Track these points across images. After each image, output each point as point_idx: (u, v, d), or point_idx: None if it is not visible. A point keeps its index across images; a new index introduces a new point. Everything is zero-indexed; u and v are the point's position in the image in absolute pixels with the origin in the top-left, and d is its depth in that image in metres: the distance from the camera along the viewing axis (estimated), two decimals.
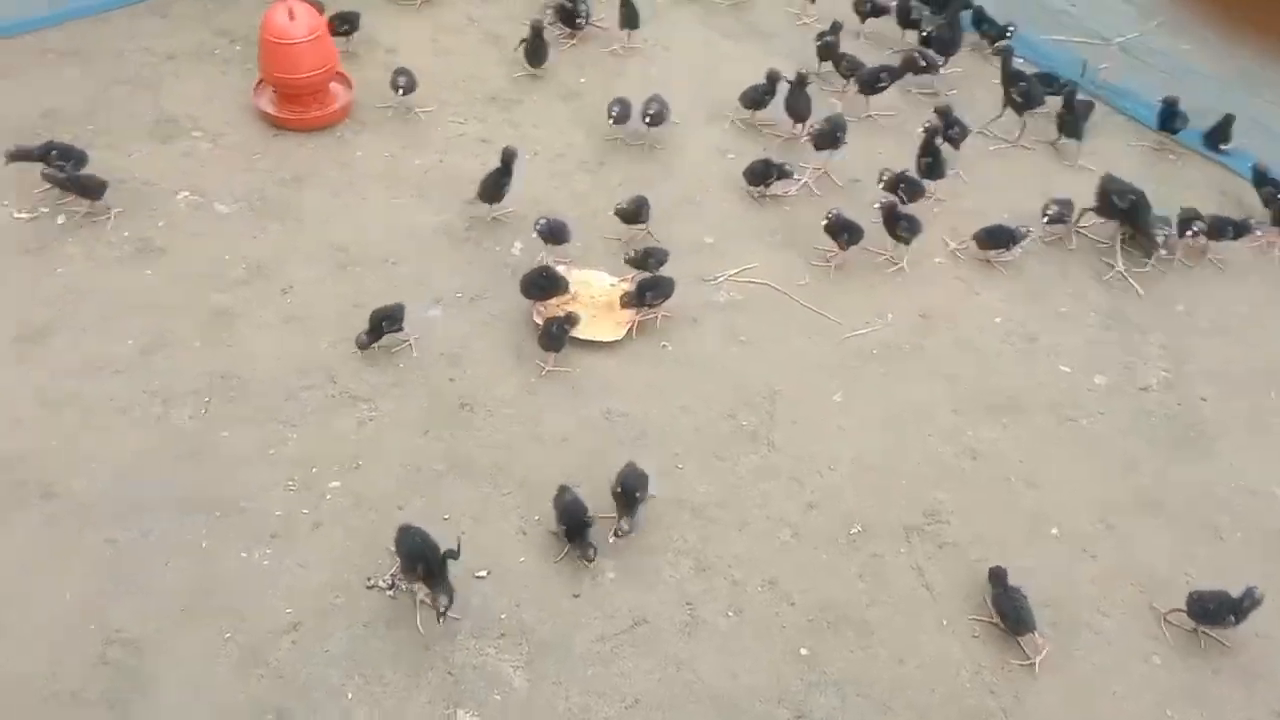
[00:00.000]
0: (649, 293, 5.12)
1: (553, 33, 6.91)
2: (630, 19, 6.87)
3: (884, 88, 6.46)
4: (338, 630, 4.04)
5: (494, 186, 5.63)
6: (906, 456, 4.83)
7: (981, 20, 7.08)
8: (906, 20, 7.01)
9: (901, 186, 5.73)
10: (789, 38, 7.21)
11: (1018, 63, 6.51)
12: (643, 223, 5.55)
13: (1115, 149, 6.52)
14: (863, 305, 5.50)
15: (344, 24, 6.57)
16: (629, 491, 4.29)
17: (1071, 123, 6.30)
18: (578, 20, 6.85)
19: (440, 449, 4.66)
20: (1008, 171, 6.32)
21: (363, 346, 4.90)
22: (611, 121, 5.99)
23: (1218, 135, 6.33)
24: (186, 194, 5.72)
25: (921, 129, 5.94)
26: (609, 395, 4.95)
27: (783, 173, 5.85)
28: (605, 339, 5.15)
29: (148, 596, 4.09)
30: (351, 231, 5.59)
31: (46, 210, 5.50)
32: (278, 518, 4.37)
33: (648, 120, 6.02)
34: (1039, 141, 6.52)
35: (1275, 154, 6.16)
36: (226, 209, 5.67)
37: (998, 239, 5.64)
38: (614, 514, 4.35)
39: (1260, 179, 5.97)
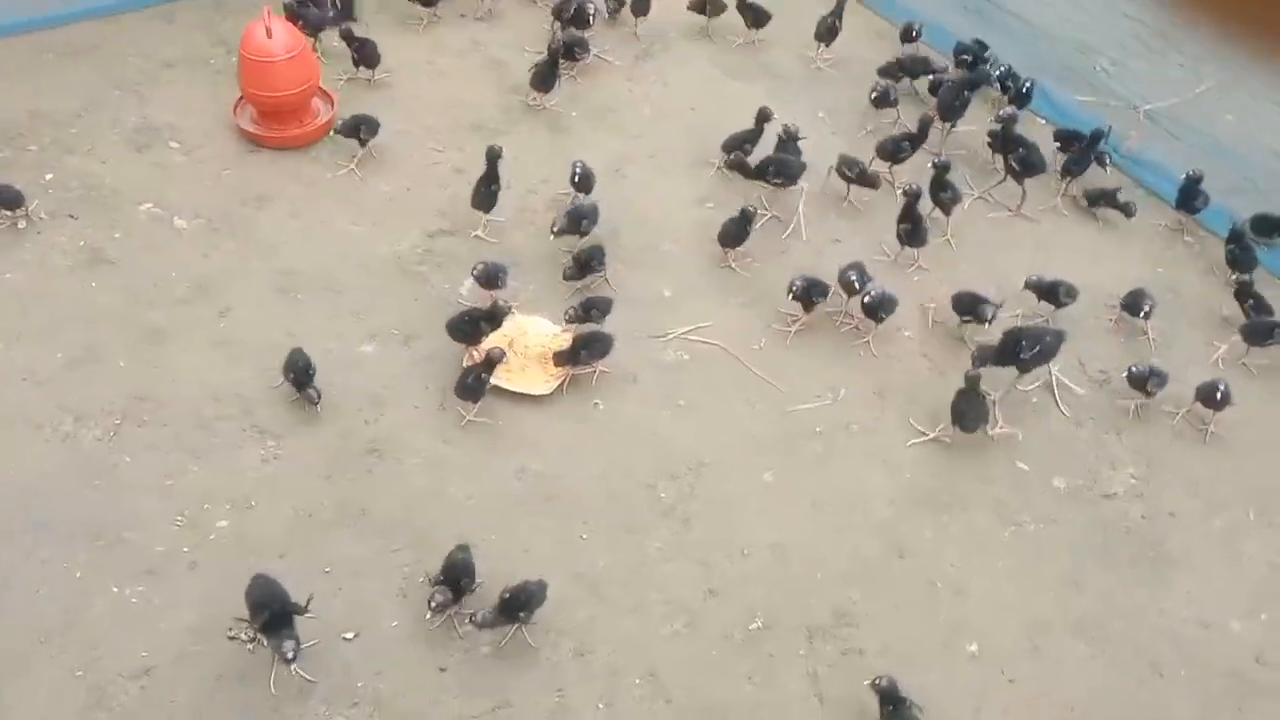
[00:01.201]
0: (583, 351, 4.91)
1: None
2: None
3: (906, 156, 6.10)
4: (189, 680, 3.92)
5: (485, 194, 5.55)
6: (828, 548, 4.53)
7: (1006, 78, 6.68)
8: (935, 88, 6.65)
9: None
10: (801, 81, 6.93)
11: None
12: (596, 272, 5.33)
13: (1128, 225, 6.08)
14: (817, 376, 5.20)
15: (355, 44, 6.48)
16: (452, 579, 4.07)
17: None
18: (577, 52, 6.67)
19: (337, 495, 4.52)
20: (1004, 242, 5.94)
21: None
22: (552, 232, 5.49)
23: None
24: (149, 206, 5.70)
25: (900, 192, 5.60)
26: (526, 452, 4.75)
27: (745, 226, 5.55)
28: (534, 392, 4.95)
29: (12, 621, 4.02)
30: (302, 256, 5.50)
31: (9, 214, 5.50)
32: (158, 554, 4.27)
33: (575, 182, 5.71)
34: (1045, 210, 6.12)
35: None
36: (185, 224, 5.63)
37: (966, 307, 5.26)
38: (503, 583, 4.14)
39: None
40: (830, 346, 5.34)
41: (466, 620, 4.05)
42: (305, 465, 4.62)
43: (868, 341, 5.33)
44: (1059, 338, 5.06)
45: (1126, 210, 5.95)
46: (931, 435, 4.91)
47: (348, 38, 6.46)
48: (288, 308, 5.25)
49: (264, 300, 5.28)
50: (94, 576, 4.18)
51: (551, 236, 5.36)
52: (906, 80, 6.72)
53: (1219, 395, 4.94)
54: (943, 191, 5.72)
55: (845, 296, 5.31)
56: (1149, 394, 5.05)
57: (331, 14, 6.60)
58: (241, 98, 6.12)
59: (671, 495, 4.66)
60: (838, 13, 6.86)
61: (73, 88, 6.30)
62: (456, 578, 4.07)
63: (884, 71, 6.65)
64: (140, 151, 6.00)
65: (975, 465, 4.89)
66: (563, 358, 4.93)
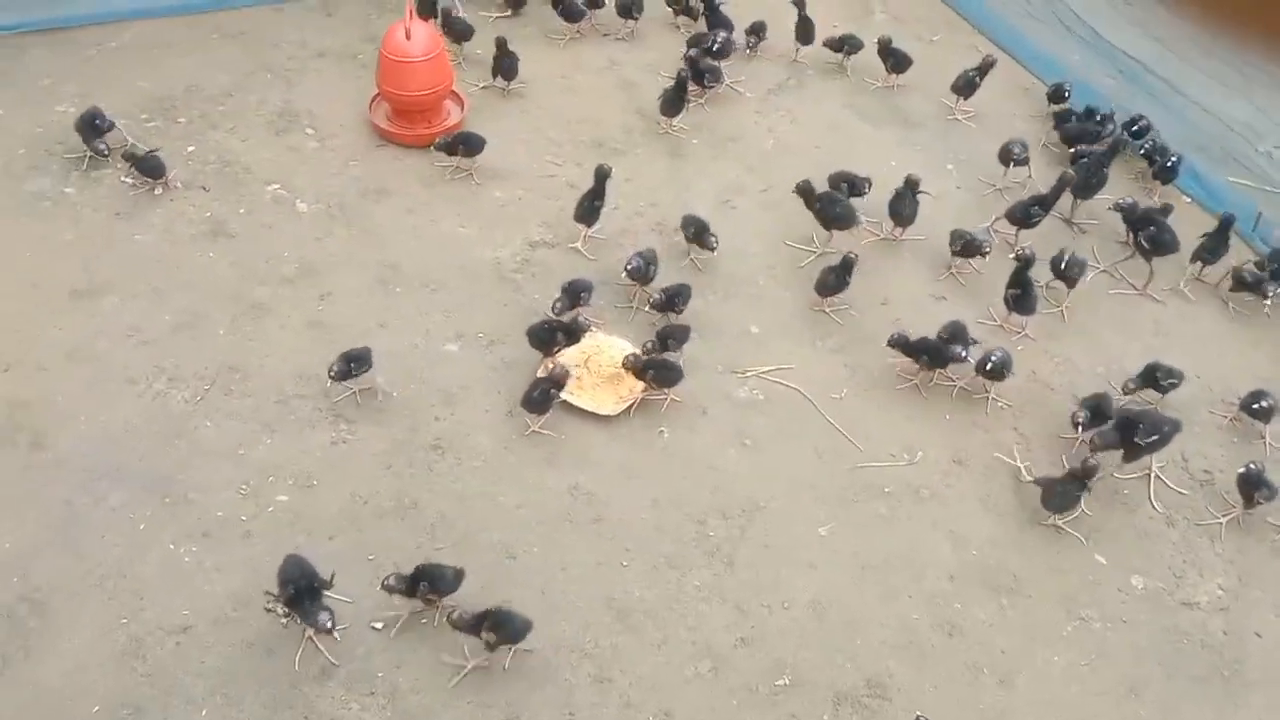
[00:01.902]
0: (650, 371, 4.88)
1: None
2: (804, 34, 6.91)
3: (1037, 222, 5.82)
4: (222, 644, 4.06)
5: (587, 209, 5.63)
6: (873, 613, 4.36)
7: (1154, 152, 6.30)
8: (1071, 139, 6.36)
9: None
10: (933, 130, 6.74)
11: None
12: (676, 311, 5.28)
13: (1263, 319, 5.66)
14: (895, 435, 5.02)
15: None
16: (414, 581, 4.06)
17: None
18: (707, 80, 6.67)
19: (395, 486, 4.62)
20: (1122, 320, 5.61)
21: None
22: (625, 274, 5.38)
23: None
24: (276, 187, 5.97)
25: (1013, 256, 5.37)
26: (583, 469, 4.75)
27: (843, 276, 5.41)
28: (601, 411, 4.95)
29: (74, 563, 4.25)
30: (408, 251, 5.66)
31: (150, 180, 5.85)
32: (217, 518, 4.44)
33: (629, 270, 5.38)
34: (1172, 292, 5.77)
35: None
36: (306, 208, 5.87)
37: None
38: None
39: None
40: (917, 406, 5.15)
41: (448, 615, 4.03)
42: (371, 452, 4.74)
43: (989, 398, 5.14)
44: (1176, 427, 4.76)
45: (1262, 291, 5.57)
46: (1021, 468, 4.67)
47: (500, 46, 6.61)
48: (385, 299, 5.41)
49: (364, 289, 5.45)
50: (154, 530, 4.38)
51: (553, 314, 5.18)
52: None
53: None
54: (1063, 265, 5.41)
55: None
56: (1254, 503, 4.68)
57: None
58: (377, 94, 6.35)
59: (720, 534, 4.57)
60: (982, 70, 6.63)
61: (228, 67, 6.69)
62: (419, 581, 4.07)
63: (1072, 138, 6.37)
64: (278, 135, 6.30)
65: (1050, 551, 4.62)
66: (629, 368, 4.91)
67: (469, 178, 6.11)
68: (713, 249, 5.54)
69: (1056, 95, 6.74)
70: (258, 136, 6.26)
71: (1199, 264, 5.74)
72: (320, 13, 7.24)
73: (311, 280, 5.47)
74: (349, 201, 5.92)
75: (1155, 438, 4.70)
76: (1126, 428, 4.69)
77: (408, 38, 6.00)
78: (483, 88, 6.72)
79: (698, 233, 5.57)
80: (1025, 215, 5.74)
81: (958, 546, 4.61)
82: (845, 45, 6.95)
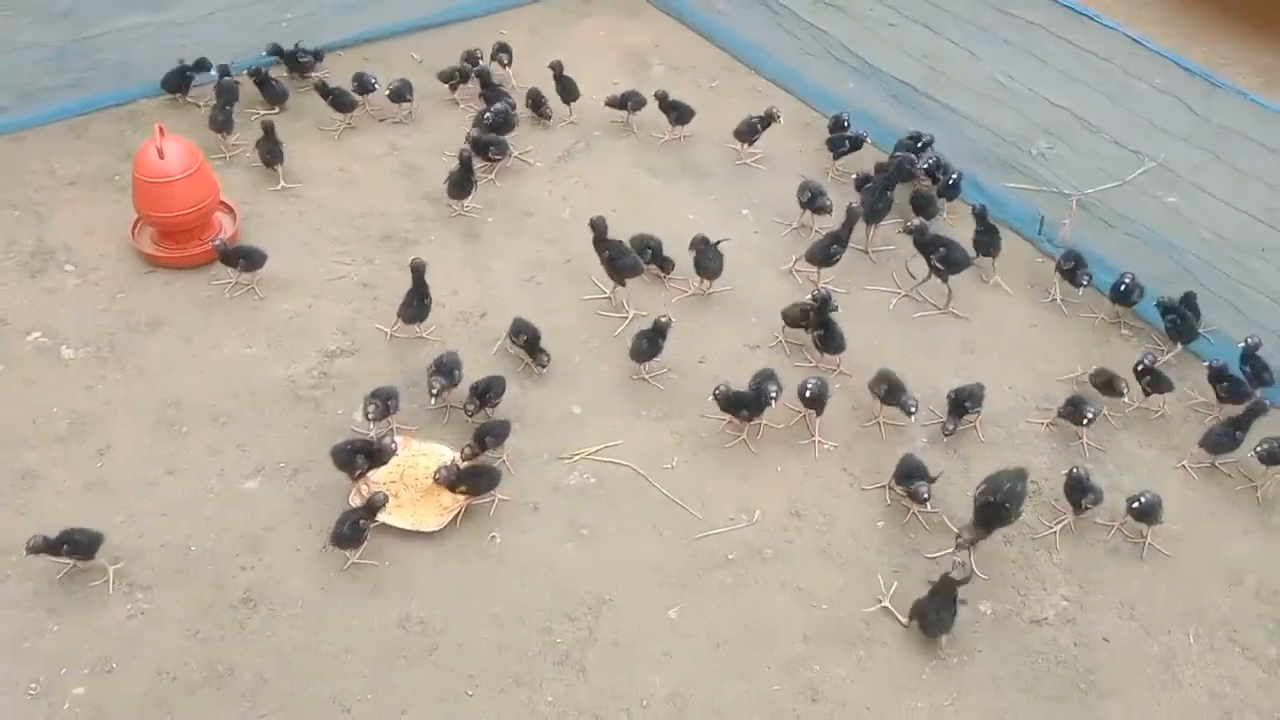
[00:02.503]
0: (462, 487, 4.63)
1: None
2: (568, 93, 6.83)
3: (837, 259, 5.82)
4: None
5: (417, 309, 5.42)
6: (734, 694, 4.21)
7: (935, 170, 6.44)
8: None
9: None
10: (724, 176, 6.74)
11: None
12: (490, 407, 5.05)
13: (1061, 320, 5.84)
14: (731, 497, 4.91)
15: None
16: None
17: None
18: (491, 153, 6.49)
19: (204, 654, 4.21)
20: (931, 343, 5.68)
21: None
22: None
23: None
24: (38, 335, 5.46)
25: (810, 297, 5.37)
26: (412, 597, 4.45)
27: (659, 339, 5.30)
28: (425, 528, 4.66)
29: None
30: (191, 384, 5.25)
31: None
32: None
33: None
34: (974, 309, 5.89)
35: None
36: (72, 353, 5.39)
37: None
38: None
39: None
40: (748, 462, 5.06)
41: None
42: (173, 619, 4.33)
43: (815, 440, 5.09)
44: (1022, 476, 4.58)
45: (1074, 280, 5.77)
46: (883, 604, 4.53)
47: (266, 130, 6.35)
48: (170, 442, 4.99)
49: (146, 435, 5.01)
50: None
51: (432, 402, 5.03)
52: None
53: (1152, 507, 4.64)
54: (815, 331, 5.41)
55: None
56: (1083, 509, 4.75)
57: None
58: (139, 219, 5.91)
59: (568, 639, 4.34)
60: (765, 120, 6.64)
61: None
62: None
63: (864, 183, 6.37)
64: (33, 277, 5.79)
65: (898, 591, 4.57)
66: (441, 483, 4.65)
67: (250, 293, 5.73)
68: (544, 367, 5.31)
69: (836, 125, 6.83)
70: (10, 281, 5.74)
71: (989, 259, 5.89)
72: (67, 135, 6.71)
73: (86, 434, 5.00)
74: (119, 339, 5.46)
75: (1013, 504, 4.55)
76: (989, 513, 4.54)
77: (161, 156, 5.60)
78: (277, 189, 6.32)
79: (530, 343, 5.31)
80: (825, 254, 5.76)
81: (806, 604, 4.52)
82: (629, 102, 6.89)
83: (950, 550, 4.64)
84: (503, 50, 7.14)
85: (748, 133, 6.67)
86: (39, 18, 7.25)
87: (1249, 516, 4.94)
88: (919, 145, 6.57)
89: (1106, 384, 5.20)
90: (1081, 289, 5.79)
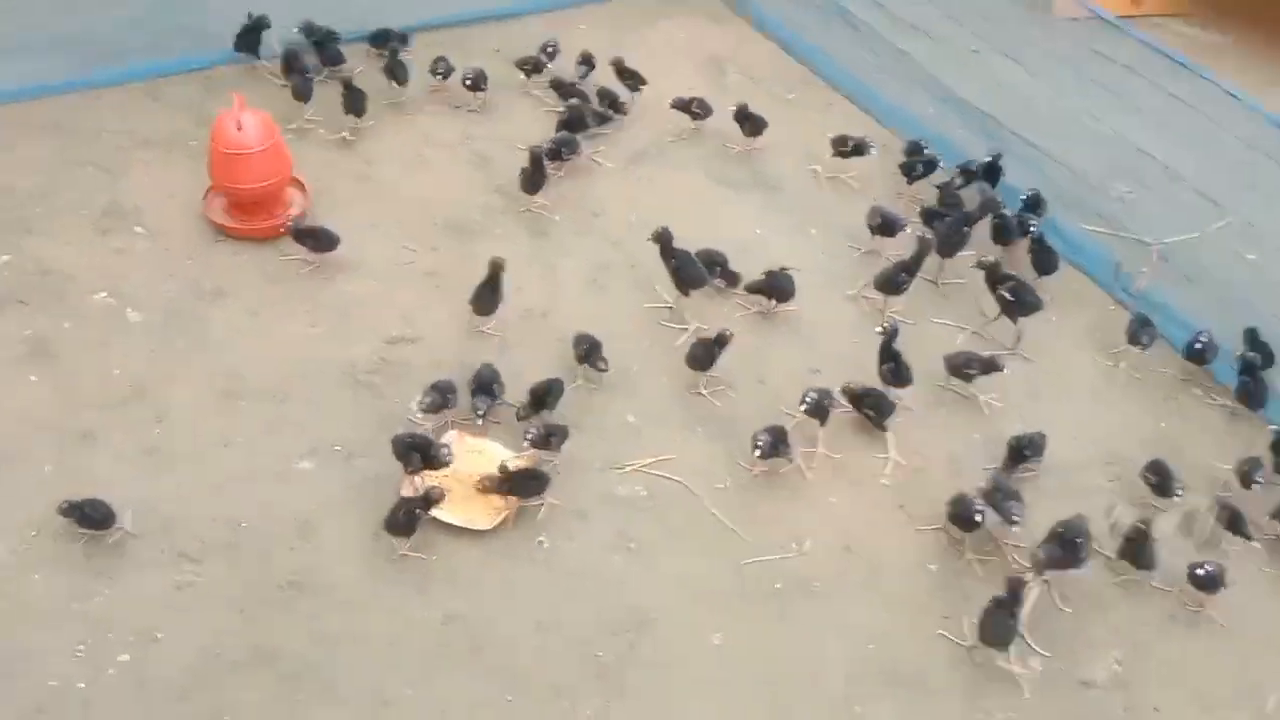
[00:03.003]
0: (511, 489, 4.60)
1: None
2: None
3: (905, 287, 5.75)
4: None
5: (487, 300, 5.43)
6: None
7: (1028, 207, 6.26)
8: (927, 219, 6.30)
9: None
10: (794, 192, 6.66)
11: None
12: (548, 408, 5.01)
13: (1130, 375, 5.71)
14: (782, 524, 4.85)
15: None
16: None
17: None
18: (564, 152, 6.45)
19: (251, 633, 4.21)
20: (994, 380, 5.58)
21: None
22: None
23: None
24: (104, 295, 5.49)
25: (879, 330, 5.29)
26: (458, 595, 4.43)
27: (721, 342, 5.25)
28: (475, 526, 4.64)
29: None
30: (252, 358, 5.25)
31: None
32: (50, 689, 3.97)
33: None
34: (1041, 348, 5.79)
35: None
36: (137, 317, 5.41)
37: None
38: None
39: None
40: (801, 489, 5.00)
41: None
42: (220, 595, 4.33)
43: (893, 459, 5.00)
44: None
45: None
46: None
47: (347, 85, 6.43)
48: (228, 415, 5.00)
49: (204, 406, 5.02)
50: None
51: (479, 422, 4.95)
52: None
53: (1213, 577, 4.54)
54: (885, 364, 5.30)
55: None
56: (1148, 566, 4.64)
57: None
58: (211, 188, 5.93)
59: (609, 655, 4.31)
60: (858, 148, 6.51)
61: (43, 164, 6.16)
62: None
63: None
64: (104, 235, 5.81)
65: (945, 639, 4.50)
66: (488, 485, 4.63)
67: (317, 271, 5.73)
68: (602, 371, 5.22)
69: (913, 150, 6.72)
70: (81, 239, 5.76)
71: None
72: (145, 97, 6.74)
73: (144, 401, 5.01)
74: (185, 306, 5.48)
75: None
76: (1069, 545, 4.53)
77: (239, 129, 5.60)
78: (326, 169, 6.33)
79: (589, 352, 5.22)
80: (894, 283, 5.68)
81: (854, 642, 4.46)
82: (694, 106, 6.82)
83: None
84: (584, 62, 7.05)
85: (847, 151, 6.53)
86: None
87: None
88: (995, 163, 6.46)
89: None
90: (1145, 349, 5.63)
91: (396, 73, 6.77)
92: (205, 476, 4.71)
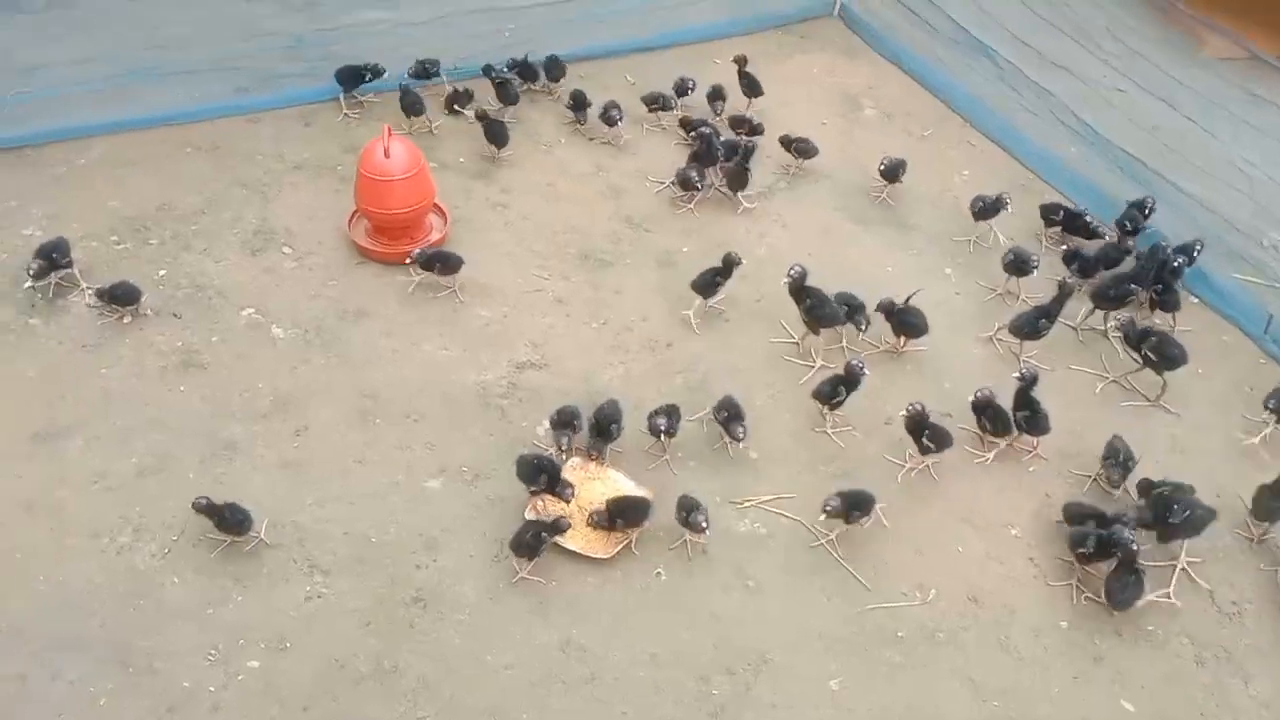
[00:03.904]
0: (619, 519, 4.62)
1: (673, 192, 6.62)
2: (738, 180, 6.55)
3: (1045, 332, 5.59)
4: None
5: (708, 282, 5.73)
6: None
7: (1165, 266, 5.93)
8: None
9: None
10: (929, 231, 6.55)
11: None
12: (670, 435, 5.03)
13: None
14: (904, 571, 4.75)
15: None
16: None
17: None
18: (694, 181, 6.49)
19: (374, 647, 4.32)
20: (1135, 432, 5.36)
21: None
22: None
23: None
24: (251, 311, 5.73)
25: (1016, 376, 5.14)
26: (576, 622, 4.46)
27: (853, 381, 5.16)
28: (595, 554, 4.67)
29: None
30: (388, 378, 5.41)
31: (119, 309, 5.60)
32: (183, 689, 4.14)
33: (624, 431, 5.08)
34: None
35: None
36: (282, 333, 5.63)
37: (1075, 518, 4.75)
38: None
39: None
40: (925, 536, 4.89)
41: None
42: (347, 608, 4.45)
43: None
44: (1211, 513, 4.65)
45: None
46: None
47: (481, 117, 6.65)
48: (364, 432, 5.15)
49: (342, 422, 5.19)
50: (115, 707, 4.07)
51: (562, 456, 4.97)
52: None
53: None
54: (1021, 410, 5.14)
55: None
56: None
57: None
58: (356, 210, 6.15)
59: (725, 693, 4.27)
60: (994, 206, 6.30)
61: (201, 183, 6.48)
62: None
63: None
64: (254, 254, 6.07)
65: (1073, 698, 4.33)
66: (596, 519, 4.66)
67: (452, 296, 5.88)
68: (739, 440, 5.08)
69: (1072, 217, 6.45)
70: (232, 257, 6.04)
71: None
72: (298, 122, 7.05)
73: (287, 414, 5.21)
74: (327, 325, 5.68)
75: (1188, 514, 4.58)
76: (1162, 508, 4.59)
77: (387, 156, 5.81)
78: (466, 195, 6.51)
79: (729, 419, 5.11)
80: (1033, 327, 5.52)
81: (977, 696, 4.32)
82: (793, 146, 6.78)
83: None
84: (718, 97, 7.09)
85: (979, 214, 6.34)
86: (286, 6, 7.62)
87: None
88: (1145, 211, 6.23)
89: None
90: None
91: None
92: (339, 491, 4.86)
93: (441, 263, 5.79)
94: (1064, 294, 5.58)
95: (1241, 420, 5.48)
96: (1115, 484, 4.96)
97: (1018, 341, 5.65)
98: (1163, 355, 5.30)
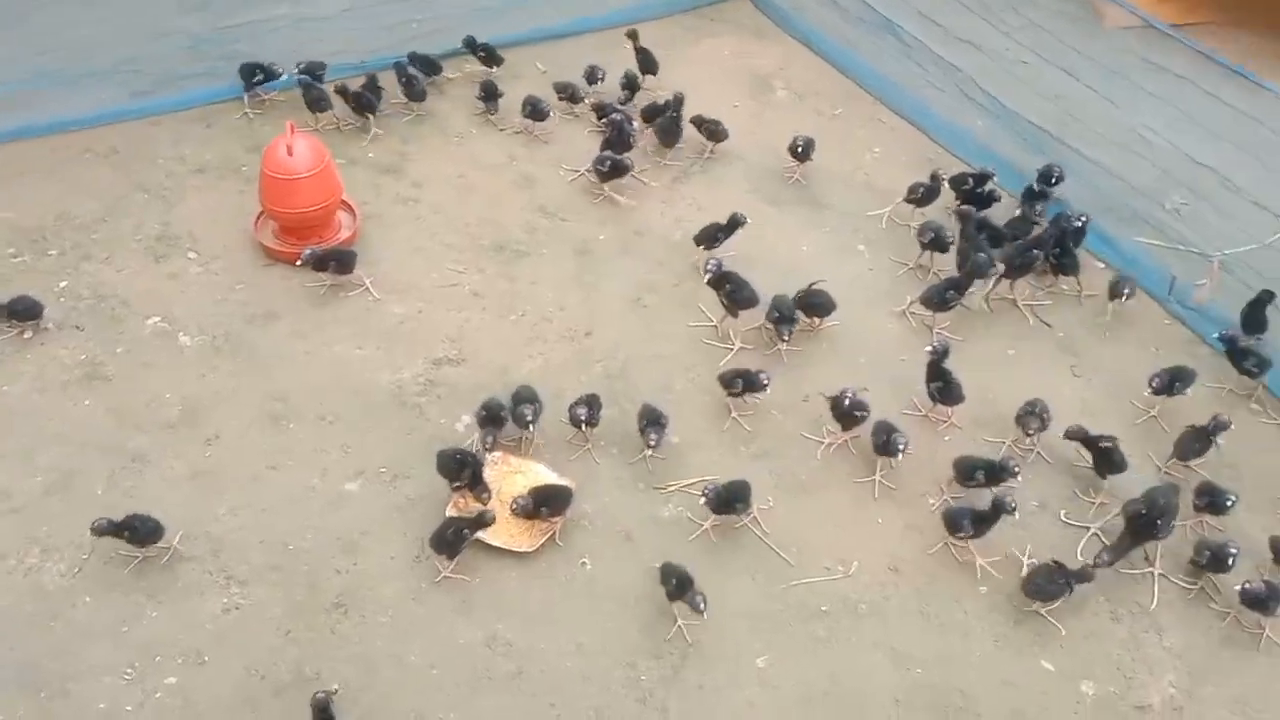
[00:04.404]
0: (544, 506, 4.60)
1: (589, 179, 6.59)
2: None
3: (954, 304, 5.69)
4: None
5: (710, 235, 5.91)
6: None
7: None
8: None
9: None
10: (841, 209, 6.59)
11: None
12: (591, 425, 5.00)
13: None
14: (828, 545, 4.80)
15: None
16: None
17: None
18: (624, 163, 6.42)
19: (294, 655, 4.25)
20: (1047, 396, 5.44)
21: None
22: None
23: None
24: (157, 320, 5.59)
25: (928, 349, 5.21)
26: (501, 617, 4.43)
27: (754, 384, 5.16)
28: (519, 548, 4.64)
29: None
30: (300, 380, 5.32)
31: (19, 324, 5.42)
32: (99, 711, 4.05)
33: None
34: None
35: None
36: (189, 340, 5.50)
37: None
38: None
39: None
40: (846, 510, 4.94)
41: None
42: (266, 617, 4.38)
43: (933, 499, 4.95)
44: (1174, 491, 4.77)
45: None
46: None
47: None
48: (276, 437, 5.06)
49: (253, 428, 5.09)
50: None
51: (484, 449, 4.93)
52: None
53: (1260, 597, 4.40)
54: (934, 381, 5.22)
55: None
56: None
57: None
58: (262, 211, 6.02)
59: (652, 677, 4.28)
60: (931, 188, 6.32)
61: (101, 190, 6.31)
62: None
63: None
64: (158, 261, 5.93)
65: (995, 662, 4.41)
66: (521, 508, 4.62)
67: (365, 294, 5.79)
68: (650, 447, 4.92)
69: (981, 180, 6.55)
70: (135, 265, 5.89)
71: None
72: (199, 124, 6.87)
73: (196, 422, 5.10)
74: (235, 330, 5.57)
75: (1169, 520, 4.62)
76: (1138, 525, 4.61)
77: (289, 153, 5.69)
78: (375, 190, 6.40)
79: (646, 426, 4.94)
80: (941, 299, 5.61)
81: (900, 666, 4.38)
82: (704, 127, 6.79)
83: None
84: (631, 85, 7.07)
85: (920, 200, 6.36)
86: (184, 5, 7.42)
87: None
88: (1052, 181, 6.35)
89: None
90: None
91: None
92: (253, 499, 4.78)
93: (337, 261, 5.68)
94: (974, 269, 5.65)
95: (1148, 383, 5.59)
96: (1032, 432, 5.02)
97: (930, 314, 5.72)
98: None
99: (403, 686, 4.18)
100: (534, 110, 6.83)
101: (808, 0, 8.30)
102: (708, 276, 5.57)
